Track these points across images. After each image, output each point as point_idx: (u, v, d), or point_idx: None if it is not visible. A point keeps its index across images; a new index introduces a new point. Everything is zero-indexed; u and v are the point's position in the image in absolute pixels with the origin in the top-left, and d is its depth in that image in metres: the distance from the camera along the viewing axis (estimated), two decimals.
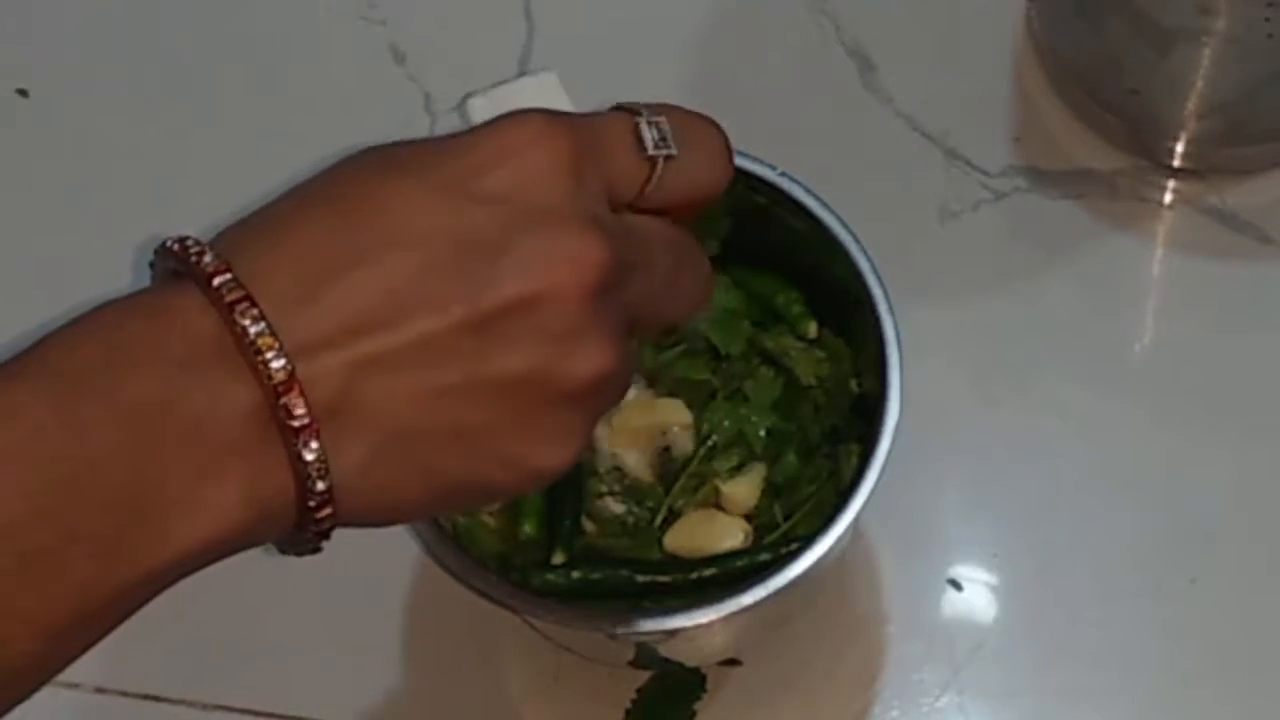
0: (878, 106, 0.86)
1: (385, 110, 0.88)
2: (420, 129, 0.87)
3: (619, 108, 0.54)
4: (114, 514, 0.46)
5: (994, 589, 0.78)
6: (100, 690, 0.77)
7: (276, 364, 0.47)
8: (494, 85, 0.74)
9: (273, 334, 0.47)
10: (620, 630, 0.67)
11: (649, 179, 0.53)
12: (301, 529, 0.49)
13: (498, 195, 0.50)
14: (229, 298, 0.47)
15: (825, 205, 0.71)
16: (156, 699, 0.77)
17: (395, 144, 0.52)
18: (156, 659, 0.77)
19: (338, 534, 0.77)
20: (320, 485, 0.48)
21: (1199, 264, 0.83)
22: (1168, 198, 0.84)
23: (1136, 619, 0.76)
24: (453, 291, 0.49)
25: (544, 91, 0.73)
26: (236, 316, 0.47)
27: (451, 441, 0.50)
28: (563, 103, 0.72)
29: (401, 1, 0.90)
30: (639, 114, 0.53)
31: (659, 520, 0.71)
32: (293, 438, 0.47)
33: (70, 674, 0.78)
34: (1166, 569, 0.77)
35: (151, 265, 0.50)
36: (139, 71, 0.90)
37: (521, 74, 0.87)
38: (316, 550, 0.51)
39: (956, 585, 0.77)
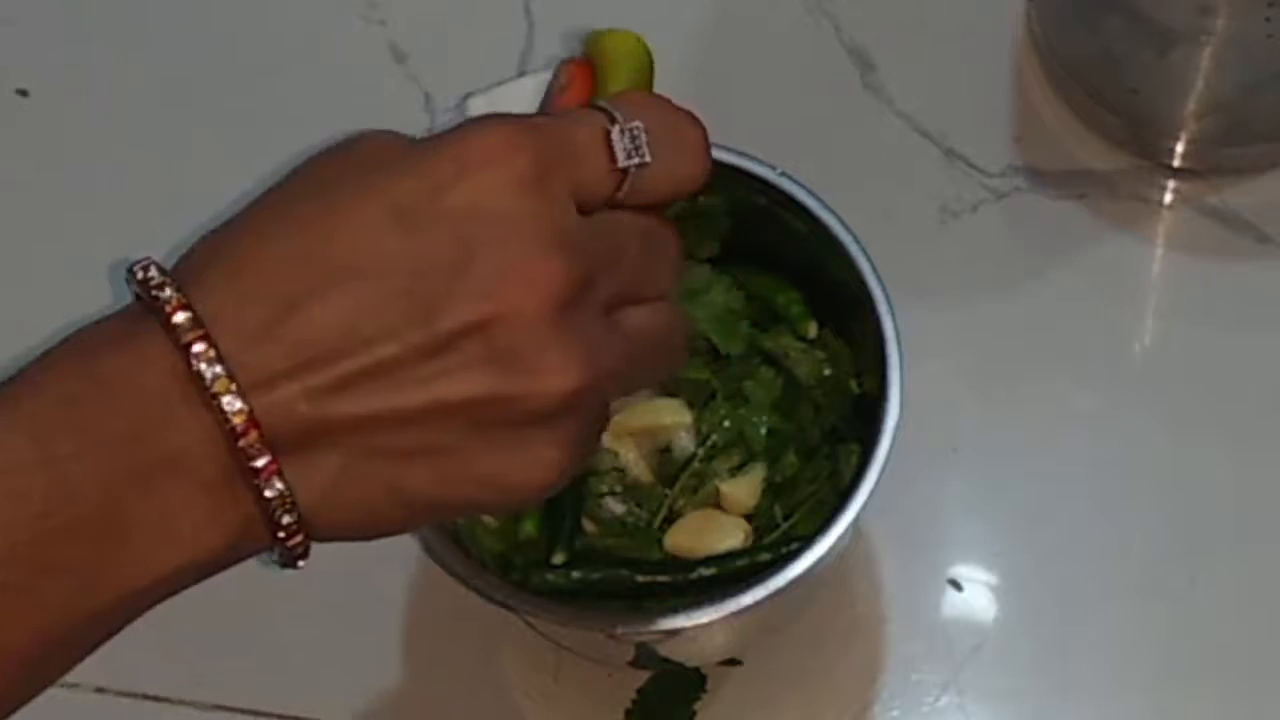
0: (878, 106, 0.86)
1: (385, 110, 0.88)
2: (420, 129, 0.87)
3: (596, 108, 0.53)
4: (86, 547, 0.47)
5: (994, 589, 0.78)
6: (100, 690, 0.77)
7: (232, 406, 0.47)
8: (494, 85, 0.75)
9: (229, 375, 0.47)
10: (620, 630, 0.67)
11: (619, 187, 0.52)
12: (275, 550, 0.50)
13: (455, 213, 0.49)
14: (185, 339, 0.47)
15: (825, 205, 0.71)
16: (156, 699, 0.77)
17: (355, 145, 0.51)
18: (156, 659, 0.77)
19: None
20: (286, 519, 0.48)
21: (1199, 264, 0.83)
22: (1168, 198, 0.84)
23: (1136, 619, 0.76)
24: (409, 317, 0.48)
25: (544, 91, 0.73)
26: (193, 360, 0.47)
27: (417, 463, 0.50)
28: None
29: (401, 1, 0.90)
30: (614, 118, 0.52)
31: (659, 520, 0.71)
32: (253, 477, 0.48)
33: (70, 674, 0.78)
34: (1166, 569, 0.77)
35: (127, 283, 0.50)
36: (138, 71, 0.90)
37: (521, 74, 0.87)
38: (298, 564, 0.51)
39: (956, 585, 0.77)
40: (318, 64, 0.89)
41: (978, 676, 0.76)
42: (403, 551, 0.75)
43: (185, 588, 0.49)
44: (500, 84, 0.75)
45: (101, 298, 0.83)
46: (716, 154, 0.71)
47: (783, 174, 0.71)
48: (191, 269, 0.49)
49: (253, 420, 0.47)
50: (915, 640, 0.76)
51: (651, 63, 0.58)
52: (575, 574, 0.69)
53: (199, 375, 0.47)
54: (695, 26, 0.88)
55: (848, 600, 0.77)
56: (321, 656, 0.77)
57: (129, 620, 0.49)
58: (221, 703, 0.77)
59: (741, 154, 0.71)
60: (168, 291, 0.48)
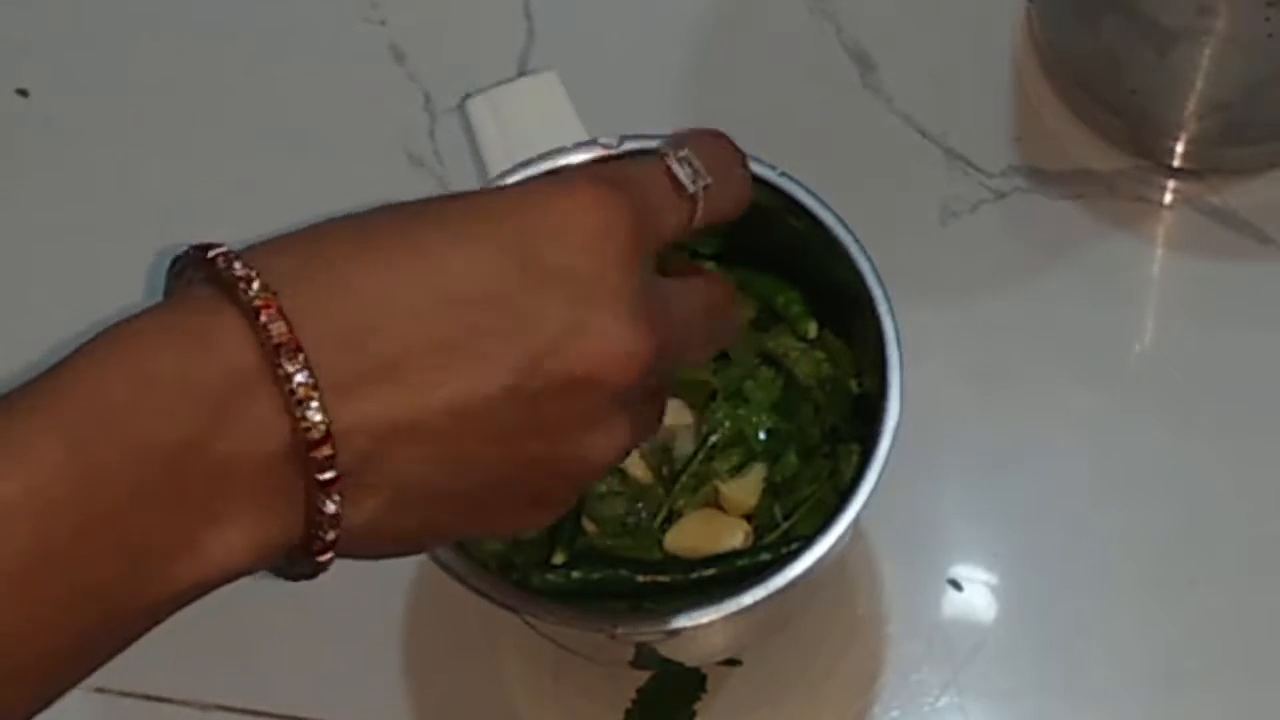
0: (878, 106, 0.86)
1: (385, 110, 0.88)
2: (420, 129, 0.87)
3: (646, 152, 0.54)
4: (120, 563, 0.45)
5: (994, 589, 0.78)
6: (100, 690, 0.77)
7: (315, 416, 0.46)
8: (494, 85, 0.75)
9: (315, 385, 0.46)
10: (620, 630, 0.67)
11: (693, 215, 0.53)
12: (296, 565, 0.49)
13: (557, 268, 0.49)
14: (276, 338, 0.45)
15: (825, 205, 0.71)
16: (156, 699, 0.77)
17: (454, 196, 0.51)
18: (156, 659, 0.77)
19: None
20: (330, 535, 0.48)
21: (1199, 264, 0.83)
22: (1168, 198, 0.84)
23: (1136, 619, 0.76)
24: (499, 363, 0.48)
25: (544, 91, 0.73)
26: (282, 360, 0.45)
27: (460, 502, 0.50)
28: (563, 103, 0.72)
29: (401, 1, 0.90)
30: (666, 154, 0.53)
31: (659, 520, 0.71)
32: (317, 490, 0.46)
33: None
34: (1166, 569, 0.77)
35: (173, 264, 0.49)
36: (139, 71, 0.90)
37: (521, 74, 0.87)
38: (321, 573, 0.50)
39: (956, 585, 0.77)
40: (318, 64, 0.89)
41: (978, 676, 0.76)
42: None
43: (200, 597, 0.48)
44: (500, 84, 0.75)
45: (102, 296, 0.83)
46: None
47: (783, 174, 0.71)
48: (275, 266, 0.47)
49: (330, 433, 0.46)
50: (915, 640, 0.76)
51: None
52: (575, 574, 0.69)
53: (286, 378, 0.45)
54: (695, 26, 0.88)
55: (848, 600, 0.77)
56: (321, 656, 0.77)
57: (147, 629, 0.48)
58: (221, 703, 0.77)
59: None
60: (256, 286, 0.46)
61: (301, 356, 0.46)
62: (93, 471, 0.44)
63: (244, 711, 0.77)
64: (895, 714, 0.76)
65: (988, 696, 0.76)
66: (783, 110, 0.86)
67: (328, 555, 0.48)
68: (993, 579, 0.78)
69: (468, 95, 0.74)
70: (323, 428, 0.46)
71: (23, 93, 0.90)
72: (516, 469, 0.50)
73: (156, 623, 0.47)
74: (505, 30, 0.89)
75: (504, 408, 0.48)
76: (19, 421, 0.45)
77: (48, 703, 0.47)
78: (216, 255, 0.47)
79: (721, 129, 0.70)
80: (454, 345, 0.47)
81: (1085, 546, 0.78)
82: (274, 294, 0.46)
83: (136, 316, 0.47)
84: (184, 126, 0.88)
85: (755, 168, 0.70)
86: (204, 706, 0.77)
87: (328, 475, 0.46)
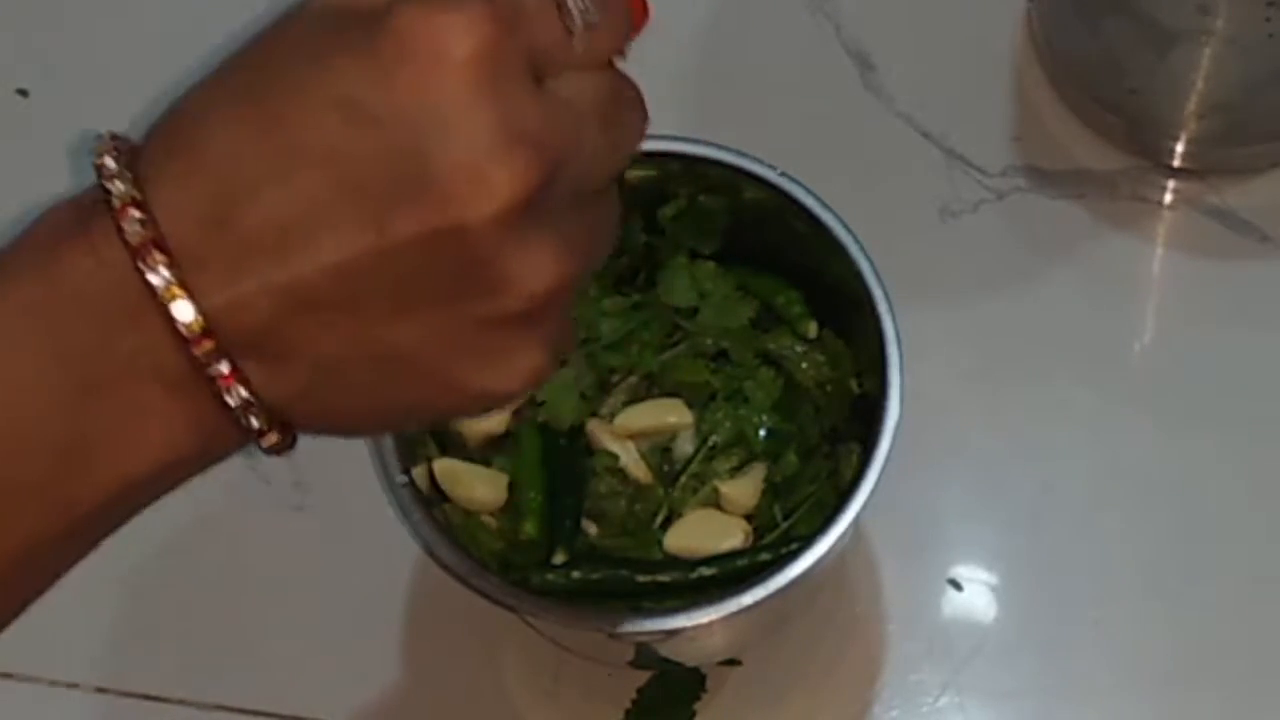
0: (878, 106, 0.86)
1: None
2: None
3: None
4: (50, 463, 0.46)
5: (994, 589, 0.78)
6: (100, 690, 0.77)
7: (185, 314, 0.45)
8: None
9: (180, 283, 0.45)
10: (620, 630, 0.67)
11: (571, 49, 0.48)
12: (254, 444, 0.48)
13: (404, 106, 0.45)
14: (134, 242, 0.45)
15: (825, 205, 0.71)
16: (156, 699, 0.77)
17: (301, 19, 0.47)
18: (156, 659, 0.77)
19: (338, 534, 0.77)
20: (255, 423, 0.47)
21: (1199, 264, 0.83)
22: (1168, 198, 0.84)
23: (1136, 619, 0.76)
24: (364, 218, 0.45)
25: None
26: (142, 267, 0.45)
27: (384, 367, 0.47)
28: None
29: None
30: None
31: (659, 520, 0.71)
32: (212, 385, 0.46)
33: (70, 674, 0.78)
34: (1166, 569, 0.77)
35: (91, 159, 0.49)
36: (139, 72, 0.89)
37: None
38: (288, 449, 0.49)
39: (956, 585, 0.77)
40: None
41: (978, 676, 0.76)
42: (403, 551, 0.75)
43: (167, 490, 0.48)
44: None
45: None
46: (716, 154, 0.72)
47: (783, 174, 0.71)
48: (150, 154, 0.47)
49: (207, 327, 0.45)
50: (915, 640, 0.76)
51: None
52: (575, 574, 0.69)
53: (148, 285, 0.45)
54: (695, 26, 0.88)
55: (848, 600, 0.77)
56: (321, 656, 0.77)
57: (116, 526, 0.48)
58: (221, 703, 0.77)
59: (741, 154, 0.71)
60: (119, 186, 0.46)
61: (160, 255, 0.45)
62: (13, 376, 0.45)
63: (244, 711, 0.77)
64: (895, 714, 0.76)
65: (988, 696, 0.76)
66: (783, 110, 0.86)
67: (271, 437, 0.48)
68: (993, 579, 0.78)
69: None
70: (197, 325, 0.45)
71: (23, 93, 0.90)
72: (429, 322, 0.47)
73: (118, 520, 0.48)
74: None
75: (384, 267, 0.46)
76: None
77: (10, 615, 0.47)
78: (96, 156, 0.47)
79: (721, 128, 0.70)
80: (307, 210, 0.45)
81: (1085, 546, 0.78)
82: (140, 190, 0.46)
83: (54, 211, 0.47)
84: None
85: (755, 167, 0.71)
86: (204, 706, 0.77)
87: (215, 369, 0.46)
